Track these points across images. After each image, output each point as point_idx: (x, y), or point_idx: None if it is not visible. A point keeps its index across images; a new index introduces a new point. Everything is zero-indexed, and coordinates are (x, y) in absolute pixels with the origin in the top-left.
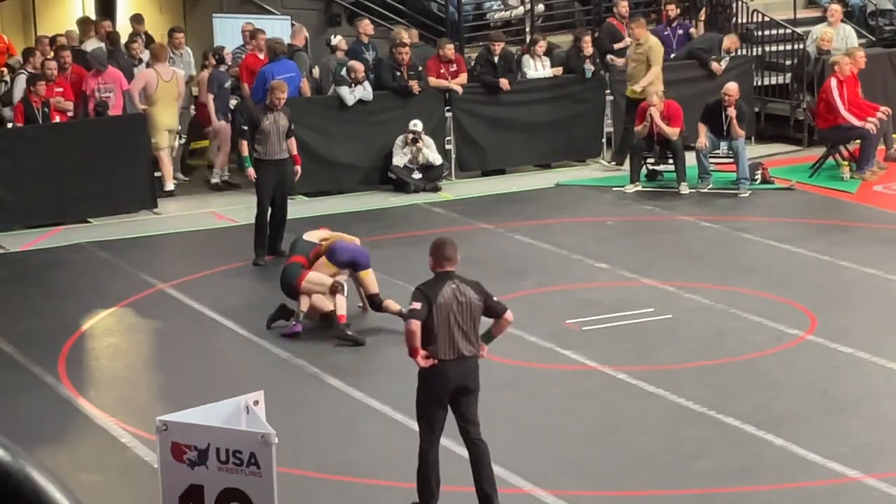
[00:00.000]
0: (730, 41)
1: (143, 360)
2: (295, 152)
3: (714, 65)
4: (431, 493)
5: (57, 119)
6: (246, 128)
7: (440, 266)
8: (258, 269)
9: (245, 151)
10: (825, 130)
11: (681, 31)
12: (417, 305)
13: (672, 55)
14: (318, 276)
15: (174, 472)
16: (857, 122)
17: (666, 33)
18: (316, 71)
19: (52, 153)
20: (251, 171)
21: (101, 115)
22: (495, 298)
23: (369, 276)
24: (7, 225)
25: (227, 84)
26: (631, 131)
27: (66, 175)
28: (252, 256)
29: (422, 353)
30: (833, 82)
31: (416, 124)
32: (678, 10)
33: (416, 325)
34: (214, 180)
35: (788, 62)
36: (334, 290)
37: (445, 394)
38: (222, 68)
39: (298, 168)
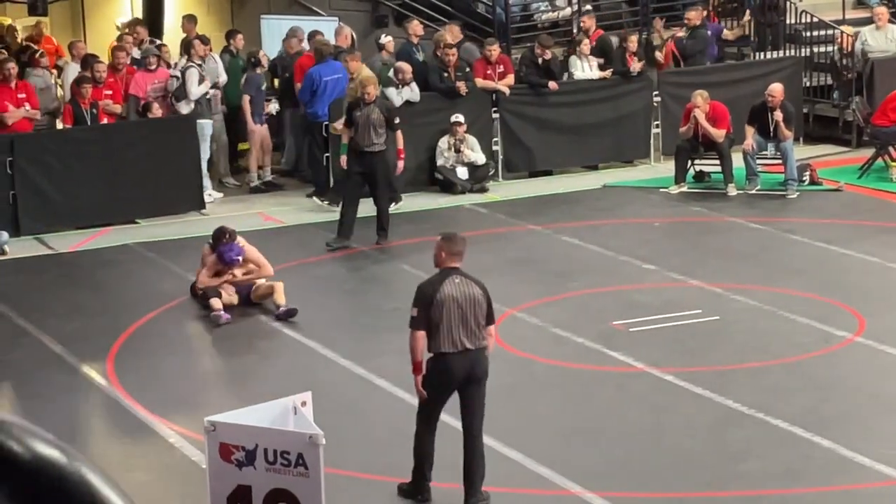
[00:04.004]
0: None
1: (191, 360)
2: (400, 146)
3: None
4: (423, 475)
5: (105, 121)
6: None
7: (449, 260)
8: (302, 270)
9: (345, 139)
10: (881, 129)
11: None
12: (414, 312)
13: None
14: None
15: (222, 473)
16: None
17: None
18: None
19: (101, 154)
20: (343, 159)
21: (144, 115)
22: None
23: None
24: (56, 226)
25: (263, 86)
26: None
27: (114, 176)
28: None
29: (418, 379)
30: None
31: (458, 117)
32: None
33: (418, 336)
34: (253, 183)
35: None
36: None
37: (450, 385)
38: (258, 71)
39: (400, 164)
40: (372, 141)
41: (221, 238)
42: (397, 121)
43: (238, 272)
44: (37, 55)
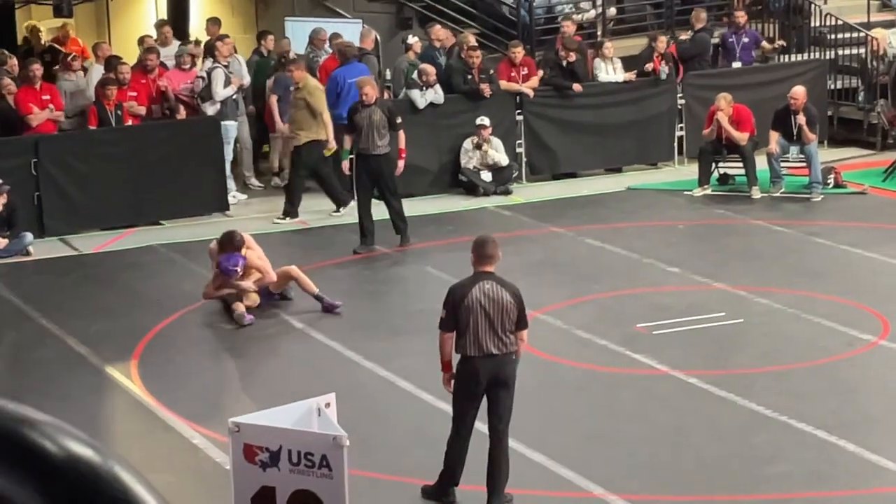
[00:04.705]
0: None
1: (215, 362)
2: (402, 146)
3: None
4: (452, 480)
5: (129, 122)
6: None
7: (479, 264)
8: (325, 271)
9: (346, 145)
10: None
11: (746, 39)
12: (443, 314)
13: (734, 63)
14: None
15: (246, 474)
16: None
17: (731, 40)
18: (388, 73)
19: (125, 156)
20: (345, 165)
21: (170, 116)
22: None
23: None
24: (80, 227)
25: (292, 87)
26: (300, 181)
27: (138, 177)
28: None
29: (446, 376)
30: None
31: (483, 120)
32: (746, 18)
33: (445, 337)
34: (276, 184)
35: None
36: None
37: (477, 389)
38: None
39: (401, 163)
40: (376, 144)
41: (225, 245)
42: (399, 120)
43: (248, 283)
44: (69, 59)
